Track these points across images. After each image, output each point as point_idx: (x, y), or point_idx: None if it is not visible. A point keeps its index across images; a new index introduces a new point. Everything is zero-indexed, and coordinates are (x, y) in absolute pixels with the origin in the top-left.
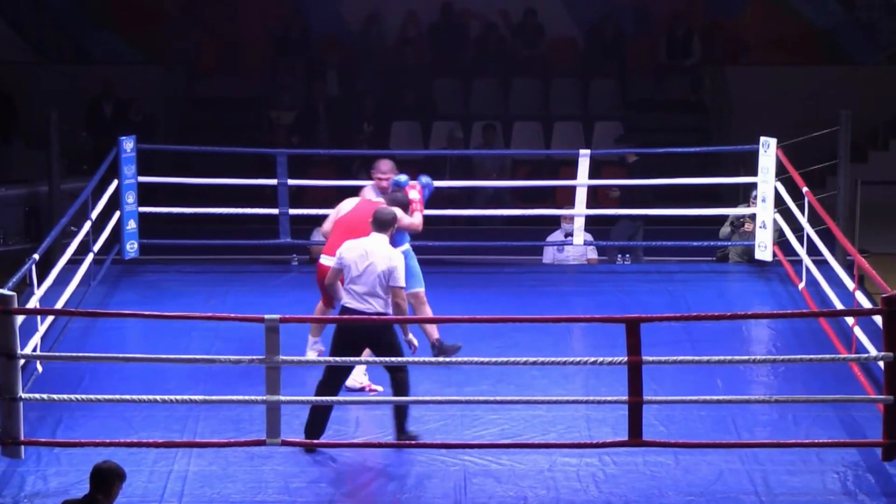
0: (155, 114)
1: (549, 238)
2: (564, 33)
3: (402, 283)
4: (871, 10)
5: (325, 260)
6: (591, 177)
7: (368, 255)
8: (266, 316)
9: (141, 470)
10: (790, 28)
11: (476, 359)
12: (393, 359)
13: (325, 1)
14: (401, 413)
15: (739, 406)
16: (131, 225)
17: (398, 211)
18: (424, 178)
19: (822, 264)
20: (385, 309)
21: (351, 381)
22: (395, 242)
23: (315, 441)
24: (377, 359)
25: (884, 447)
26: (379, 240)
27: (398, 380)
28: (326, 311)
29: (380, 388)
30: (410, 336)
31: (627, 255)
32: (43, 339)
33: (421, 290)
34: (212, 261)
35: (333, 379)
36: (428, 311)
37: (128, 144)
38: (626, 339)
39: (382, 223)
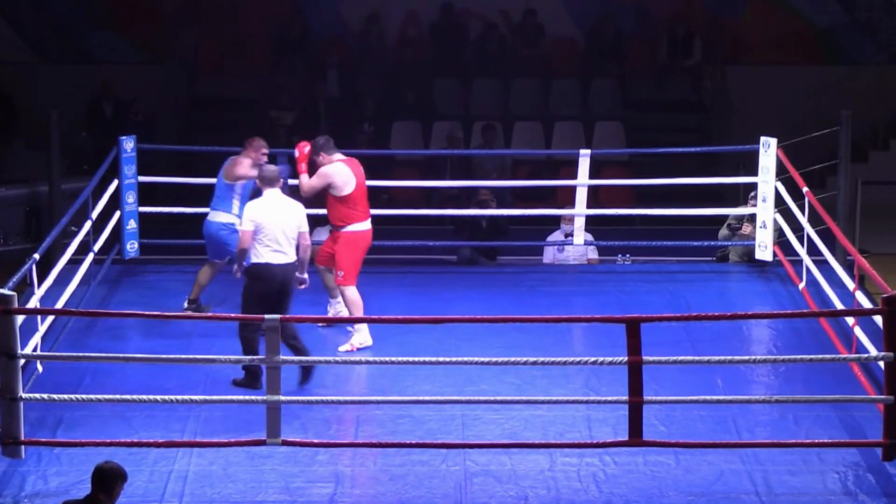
0: (155, 114)
1: (549, 238)
2: (565, 33)
3: (307, 228)
4: (871, 9)
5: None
6: (591, 177)
7: (284, 211)
8: (266, 316)
9: (141, 470)
10: (791, 28)
11: (476, 359)
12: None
13: (326, 1)
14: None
15: (740, 406)
16: (131, 225)
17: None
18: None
19: (822, 264)
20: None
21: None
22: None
23: (315, 441)
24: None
25: (884, 447)
26: (279, 194)
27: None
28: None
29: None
30: (306, 275)
31: (628, 255)
32: (43, 339)
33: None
34: None
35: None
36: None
37: (128, 144)
38: (627, 339)
39: (272, 179)
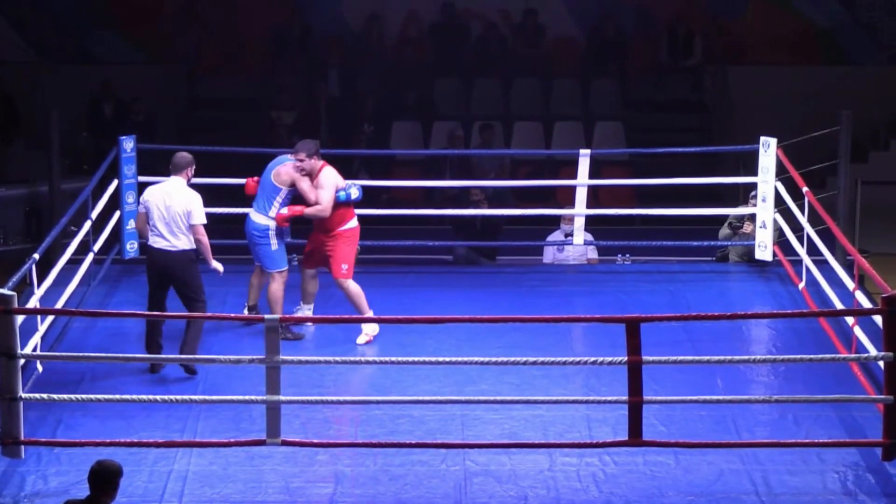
0: (155, 114)
1: (549, 238)
2: (565, 33)
3: (201, 221)
4: (872, 10)
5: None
6: (591, 177)
7: (168, 197)
8: (266, 316)
9: (141, 470)
10: (791, 28)
11: (476, 359)
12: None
13: (325, 1)
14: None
15: (740, 406)
16: (131, 225)
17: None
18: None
19: (822, 264)
20: (189, 246)
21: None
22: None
23: (314, 441)
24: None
25: (884, 447)
26: (177, 182)
27: (196, 310)
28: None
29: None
30: (215, 263)
31: (628, 255)
32: (43, 338)
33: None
34: None
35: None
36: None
37: (128, 144)
38: (627, 339)
39: (177, 166)
